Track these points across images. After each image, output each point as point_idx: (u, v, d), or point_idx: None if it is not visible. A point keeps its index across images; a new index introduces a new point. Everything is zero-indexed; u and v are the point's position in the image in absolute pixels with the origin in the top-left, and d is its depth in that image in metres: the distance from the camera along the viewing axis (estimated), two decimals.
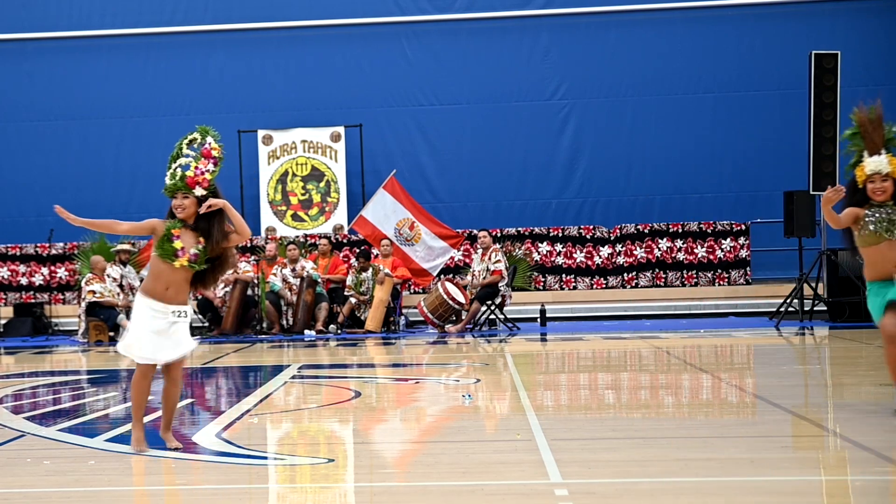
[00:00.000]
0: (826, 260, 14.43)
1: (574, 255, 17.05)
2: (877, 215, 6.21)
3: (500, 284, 15.00)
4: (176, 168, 5.86)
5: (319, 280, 15.49)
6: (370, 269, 15.25)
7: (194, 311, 15.82)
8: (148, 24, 19.02)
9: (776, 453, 5.44)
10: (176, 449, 5.83)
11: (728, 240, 16.86)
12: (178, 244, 5.76)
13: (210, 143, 5.86)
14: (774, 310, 14.77)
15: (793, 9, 18.60)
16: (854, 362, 10.27)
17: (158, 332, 5.74)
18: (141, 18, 19.04)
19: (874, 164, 6.23)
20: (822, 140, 14.15)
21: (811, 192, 14.27)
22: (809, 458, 5.47)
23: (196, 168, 5.79)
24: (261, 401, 8.12)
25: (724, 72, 18.46)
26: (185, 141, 5.90)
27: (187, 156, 5.86)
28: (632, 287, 16.96)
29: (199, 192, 5.80)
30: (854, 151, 6.46)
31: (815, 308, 14.68)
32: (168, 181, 5.87)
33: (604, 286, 16.99)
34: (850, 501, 4.52)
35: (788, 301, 14.46)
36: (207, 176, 5.80)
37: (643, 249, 16.96)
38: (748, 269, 16.83)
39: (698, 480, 4.93)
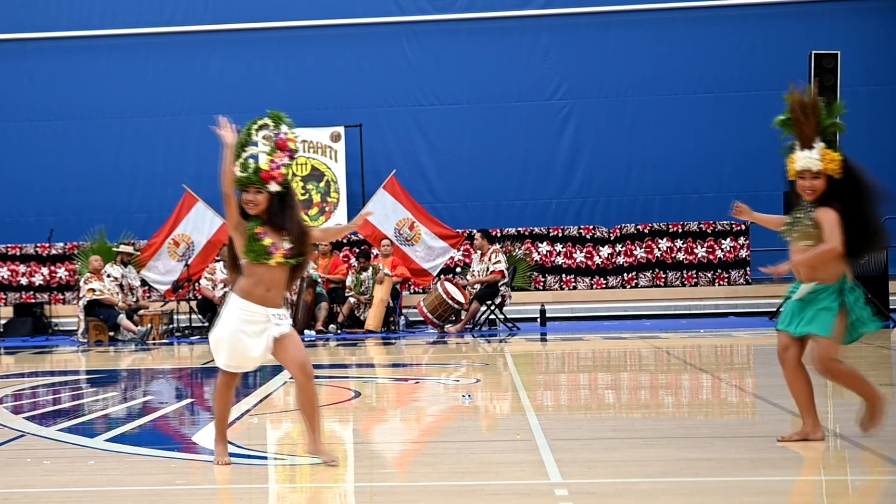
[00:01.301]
0: None
1: (574, 255, 17.05)
2: (790, 218, 5.71)
3: (500, 284, 15.00)
4: (248, 158, 5.31)
5: (319, 280, 15.48)
6: (370, 269, 15.26)
7: (193, 311, 15.82)
8: (148, 24, 19.02)
9: (776, 453, 5.43)
10: (330, 462, 5.36)
11: (728, 240, 16.86)
12: (267, 241, 5.24)
13: (286, 133, 5.38)
14: (774, 310, 14.76)
15: (793, 9, 18.60)
16: (854, 362, 10.23)
17: (248, 335, 5.26)
18: (141, 18, 19.04)
19: (803, 160, 5.56)
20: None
21: None
22: (809, 458, 5.47)
23: (272, 161, 5.26)
24: (261, 401, 8.13)
25: (724, 72, 18.45)
26: (255, 126, 5.42)
27: (255, 143, 5.34)
28: (632, 287, 16.96)
29: (273, 187, 5.27)
30: (789, 139, 5.76)
31: None
32: (239, 172, 5.27)
33: (604, 286, 16.99)
34: (850, 501, 4.52)
35: None
36: (283, 170, 5.28)
37: (643, 249, 16.96)
38: (748, 269, 16.83)
39: (698, 480, 4.93)
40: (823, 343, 5.52)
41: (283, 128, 5.39)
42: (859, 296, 5.61)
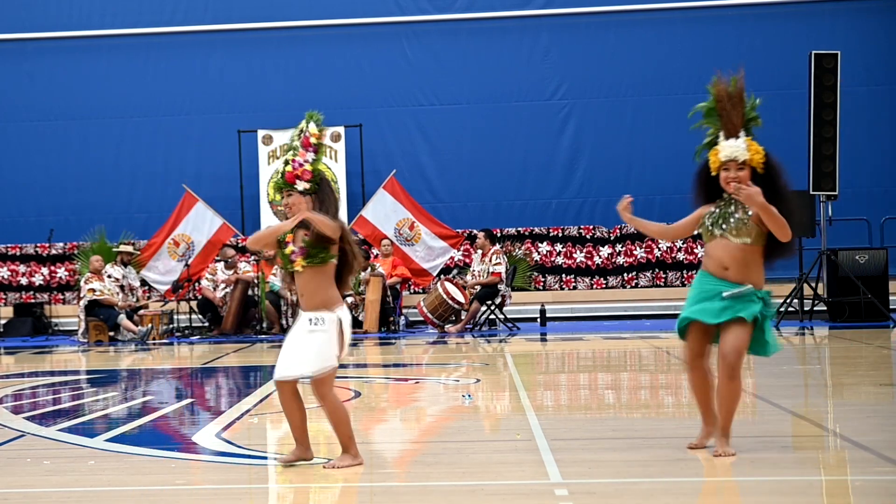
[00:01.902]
0: (826, 260, 14.43)
1: (574, 255, 17.04)
2: (716, 210, 5.45)
3: (498, 285, 15.00)
4: (279, 165, 5.43)
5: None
6: (370, 269, 15.26)
7: (193, 311, 15.80)
8: (148, 24, 19.01)
9: (776, 453, 5.43)
10: (329, 466, 5.39)
11: None
12: (289, 249, 5.28)
13: (309, 131, 5.35)
14: (774, 310, 14.76)
15: (793, 9, 18.59)
16: (854, 362, 10.26)
17: (292, 343, 5.33)
18: (141, 18, 19.03)
19: (729, 149, 5.44)
20: (822, 140, 14.15)
21: (811, 192, 14.27)
22: (809, 458, 5.47)
23: (294, 161, 5.28)
24: (261, 401, 8.12)
25: (724, 72, 18.40)
26: (297, 132, 5.42)
27: (295, 150, 5.36)
28: (632, 287, 16.95)
29: (301, 186, 5.27)
30: (708, 130, 5.66)
31: (815, 308, 14.68)
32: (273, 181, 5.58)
33: (604, 286, 16.99)
34: (850, 501, 4.52)
35: (788, 301, 14.45)
36: (307, 167, 5.26)
37: (643, 249, 16.96)
38: None
39: (698, 480, 4.93)
40: (745, 333, 5.36)
41: (311, 125, 5.40)
42: (772, 316, 5.48)
